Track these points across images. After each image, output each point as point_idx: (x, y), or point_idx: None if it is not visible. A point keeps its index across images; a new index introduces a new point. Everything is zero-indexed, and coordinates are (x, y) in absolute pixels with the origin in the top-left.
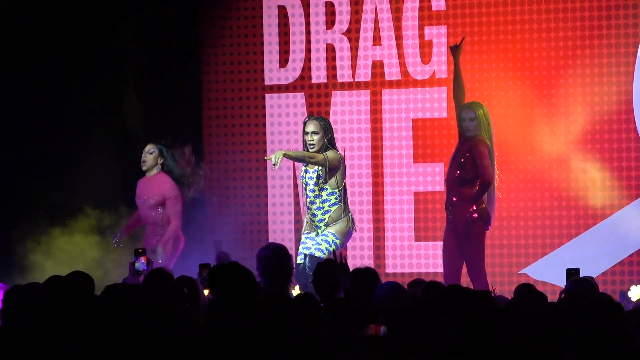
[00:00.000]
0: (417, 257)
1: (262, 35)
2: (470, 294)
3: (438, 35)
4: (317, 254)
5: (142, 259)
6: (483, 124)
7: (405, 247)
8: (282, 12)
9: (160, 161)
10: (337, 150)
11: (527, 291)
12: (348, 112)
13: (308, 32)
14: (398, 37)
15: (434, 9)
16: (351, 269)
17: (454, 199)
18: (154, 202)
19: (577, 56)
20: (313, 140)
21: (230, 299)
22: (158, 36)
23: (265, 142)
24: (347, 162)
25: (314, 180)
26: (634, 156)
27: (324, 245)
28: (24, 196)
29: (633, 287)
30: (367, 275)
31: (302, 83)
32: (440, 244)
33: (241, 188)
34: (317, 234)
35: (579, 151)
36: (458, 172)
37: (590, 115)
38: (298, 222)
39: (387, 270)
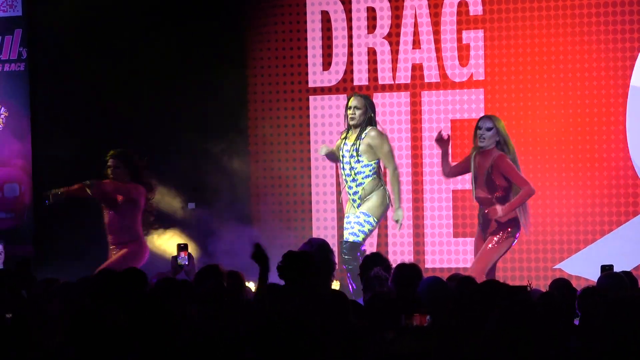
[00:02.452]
0: (455, 252)
1: (305, 39)
2: (507, 289)
3: (475, 39)
4: (352, 238)
5: (184, 254)
6: (500, 137)
7: (444, 243)
8: (325, 17)
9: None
10: (380, 130)
11: (561, 286)
12: (389, 113)
13: (350, 36)
14: (437, 41)
15: (471, 13)
16: (392, 263)
17: (489, 220)
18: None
19: (617, 58)
20: (355, 114)
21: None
22: (204, 39)
23: (309, 142)
24: None
25: (350, 152)
26: None
27: (356, 228)
28: None
29: None
30: (411, 269)
31: (345, 85)
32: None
33: (286, 186)
34: (353, 214)
35: (612, 147)
36: (487, 193)
37: (623, 115)
38: (340, 223)
39: (426, 265)
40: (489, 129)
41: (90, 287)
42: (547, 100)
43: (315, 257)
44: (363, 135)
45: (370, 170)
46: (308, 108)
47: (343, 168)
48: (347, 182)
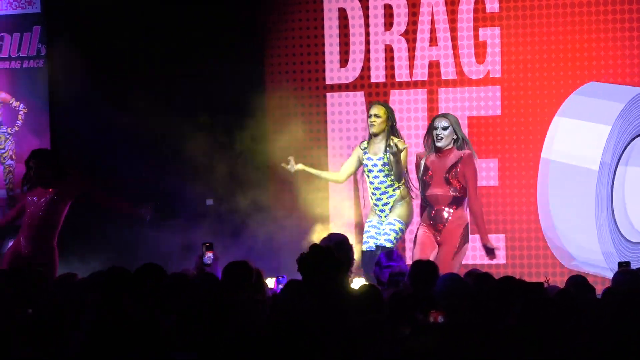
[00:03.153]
0: (472, 249)
1: (323, 36)
2: (524, 285)
3: (492, 36)
4: (388, 245)
5: (209, 253)
6: (457, 135)
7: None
8: (343, 14)
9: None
10: (401, 138)
11: (578, 283)
12: (406, 110)
13: (367, 34)
14: (453, 38)
15: (488, 11)
16: (409, 260)
17: (448, 216)
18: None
19: (634, 55)
20: (375, 122)
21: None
22: (222, 36)
23: (326, 139)
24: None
25: (378, 167)
26: None
27: (392, 235)
28: None
29: None
30: (427, 267)
31: (362, 82)
32: (494, 236)
33: (304, 183)
34: (382, 222)
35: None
36: (446, 191)
37: None
38: (359, 219)
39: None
40: (444, 128)
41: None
42: (563, 97)
43: (335, 252)
44: (389, 148)
45: (400, 183)
46: (325, 105)
47: (371, 182)
48: (375, 194)
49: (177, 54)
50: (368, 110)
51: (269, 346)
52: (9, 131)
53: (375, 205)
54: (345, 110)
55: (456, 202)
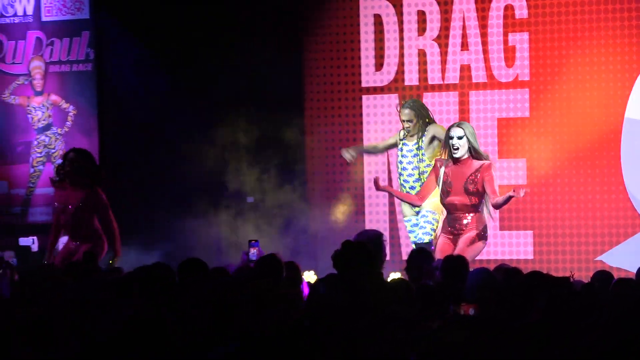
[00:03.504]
0: (501, 244)
1: (359, 41)
2: (551, 280)
3: (521, 41)
4: (426, 238)
5: (254, 250)
6: (469, 144)
7: (490, 236)
8: (378, 20)
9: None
10: (437, 123)
11: (603, 278)
12: (438, 112)
13: (401, 39)
14: (484, 43)
15: (517, 17)
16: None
17: (466, 222)
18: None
19: None
20: (409, 127)
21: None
22: (263, 41)
23: (362, 140)
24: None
25: (413, 152)
26: None
27: (428, 228)
28: None
29: None
30: (458, 261)
31: (396, 85)
32: (522, 232)
33: (340, 182)
34: (416, 215)
35: None
36: (465, 199)
37: None
38: (392, 216)
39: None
40: (460, 138)
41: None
42: (589, 99)
43: (369, 247)
44: (423, 137)
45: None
46: (361, 107)
47: (404, 168)
48: (409, 182)
49: (220, 52)
50: (400, 112)
51: (304, 338)
52: (59, 131)
53: (409, 194)
54: (380, 112)
55: (474, 209)
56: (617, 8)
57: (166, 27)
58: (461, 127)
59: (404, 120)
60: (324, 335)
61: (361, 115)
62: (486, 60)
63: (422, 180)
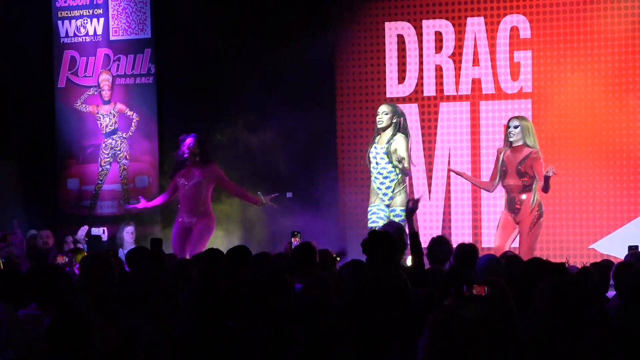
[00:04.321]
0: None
1: (384, 58)
2: (549, 265)
3: (525, 57)
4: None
5: (295, 240)
6: (525, 132)
7: (497, 227)
8: (401, 39)
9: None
10: (406, 136)
11: (601, 265)
12: (452, 119)
13: (421, 55)
14: (492, 60)
15: (521, 37)
16: (455, 244)
17: (521, 201)
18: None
19: None
20: (382, 119)
21: (377, 262)
22: (300, 60)
23: None
24: (451, 159)
25: (380, 155)
26: None
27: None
28: None
29: None
30: (470, 248)
31: (416, 96)
32: None
33: (367, 179)
34: (387, 208)
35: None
36: (517, 181)
37: None
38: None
39: (482, 245)
40: (515, 127)
41: (201, 262)
42: (584, 108)
43: (394, 236)
44: (392, 140)
45: (396, 174)
46: None
47: (374, 167)
48: (378, 179)
49: (258, 59)
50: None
51: (337, 315)
52: (124, 135)
53: (379, 188)
54: None
55: (526, 190)
56: (608, 30)
57: (216, 47)
58: (517, 119)
59: (379, 113)
60: (354, 313)
61: None
62: (494, 74)
63: (390, 179)
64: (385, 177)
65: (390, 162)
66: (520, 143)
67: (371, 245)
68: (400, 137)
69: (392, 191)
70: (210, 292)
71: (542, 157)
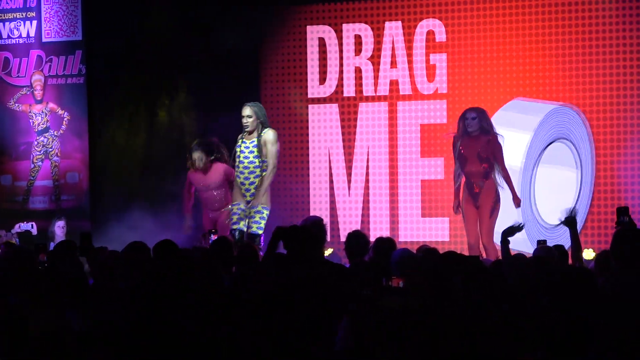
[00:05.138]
0: (422, 229)
1: (306, 59)
2: (464, 258)
3: (440, 60)
4: (260, 232)
5: (213, 236)
6: (481, 123)
7: (414, 221)
8: (322, 42)
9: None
10: (271, 128)
11: (514, 258)
12: (371, 118)
13: (341, 57)
14: (410, 62)
15: (437, 40)
16: (373, 238)
17: (482, 186)
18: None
19: (552, 76)
20: (247, 122)
21: (298, 256)
22: (227, 58)
23: (308, 142)
24: (370, 157)
25: (250, 149)
26: None
27: (262, 223)
28: None
29: (585, 250)
30: (387, 242)
31: (337, 96)
32: (441, 219)
33: (290, 176)
34: (250, 208)
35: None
36: (477, 167)
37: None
38: (332, 205)
39: (400, 239)
40: (473, 118)
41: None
42: (496, 109)
43: (313, 230)
44: (262, 134)
45: (262, 171)
46: (308, 114)
47: (241, 162)
48: (244, 173)
49: (186, 66)
50: (242, 112)
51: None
52: (56, 133)
53: (242, 183)
54: (323, 119)
55: (486, 175)
56: (519, 33)
57: (146, 49)
58: (474, 111)
59: (244, 116)
60: (278, 305)
61: (307, 121)
62: (411, 76)
63: (256, 173)
64: (251, 172)
65: (259, 156)
66: (478, 133)
67: (291, 239)
68: (269, 130)
69: (255, 187)
70: (146, 283)
71: (503, 138)
